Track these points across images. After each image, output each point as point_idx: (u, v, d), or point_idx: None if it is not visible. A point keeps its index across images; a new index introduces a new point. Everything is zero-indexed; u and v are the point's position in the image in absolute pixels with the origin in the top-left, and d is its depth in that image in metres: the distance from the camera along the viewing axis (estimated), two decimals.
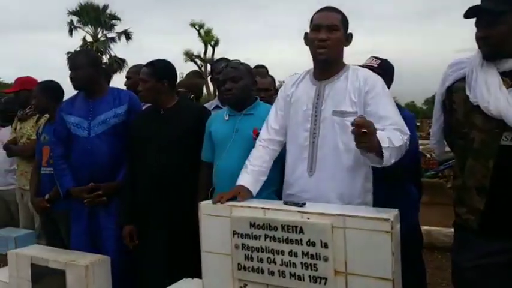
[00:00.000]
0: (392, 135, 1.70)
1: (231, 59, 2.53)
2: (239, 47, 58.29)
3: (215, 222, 1.82)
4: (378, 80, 1.91)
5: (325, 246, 1.54)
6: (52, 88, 3.15)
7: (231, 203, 1.82)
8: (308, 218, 1.59)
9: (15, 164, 3.80)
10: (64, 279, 2.34)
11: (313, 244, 1.56)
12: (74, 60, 2.65)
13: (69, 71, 2.65)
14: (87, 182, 2.57)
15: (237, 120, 2.25)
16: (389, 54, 2.55)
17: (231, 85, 2.22)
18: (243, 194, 1.86)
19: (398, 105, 2.36)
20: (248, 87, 2.25)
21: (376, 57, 2.51)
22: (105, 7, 27.27)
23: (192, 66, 26.53)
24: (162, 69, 2.49)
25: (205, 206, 1.87)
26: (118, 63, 26.10)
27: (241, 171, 2.00)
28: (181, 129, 2.42)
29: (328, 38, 1.87)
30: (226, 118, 2.29)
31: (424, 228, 3.40)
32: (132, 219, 2.46)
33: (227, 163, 2.18)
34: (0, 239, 3.43)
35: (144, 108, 2.85)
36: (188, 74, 3.86)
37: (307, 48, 1.99)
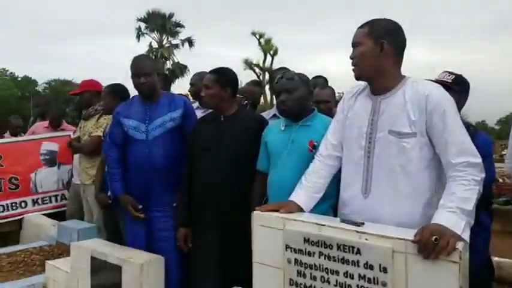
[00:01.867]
0: (460, 194, 1.53)
1: (290, 69, 2.51)
2: (298, 57, 58.27)
3: (267, 233, 1.80)
4: (444, 98, 1.69)
5: (384, 270, 1.46)
6: (119, 90, 3.34)
7: (284, 215, 1.79)
8: (366, 239, 1.52)
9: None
10: (120, 274, 2.43)
11: (371, 267, 1.49)
12: (145, 66, 2.69)
13: (136, 77, 2.68)
14: (144, 183, 2.65)
15: (293, 131, 2.22)
16: (457, 70, 2.37)
17: (285, 96, 2.20)
18: (287, 208, 1.83)
19: (472, 126, 2.20)
20: (303, 99, 2.22)
21: (450, 72, 2.34)
22: (171, 15, 28.65)
23: (250, 75, 27.00)
24: (226, 76, 2.53)
25: (258, 216, 1.85)
26: (180, 69, 27.21)
27: (296, 186, 1.96)
28: (239, 137, 2.43)
29: (353, 56, 1.82)
30: (283, 128, 2.27)
31: (494, 259, 3.15)
32: (188, 223, 2.50)
33: (281, 174, 2.17)
34: (65, 230, 3.66)
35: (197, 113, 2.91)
36: (248, 83, 3.91)
37: None
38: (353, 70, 1.84)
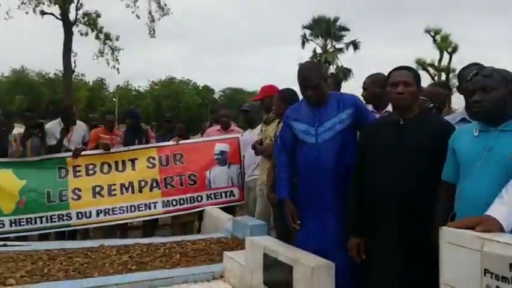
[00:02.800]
0: None
1: (485, 66, 2.17)
2: (481, 54, 51.66)
3: (459, 253, 1.59)
4: None
5: None
6: (289, 95, 3.44)
7: (483, 235, 1.55)
8: None
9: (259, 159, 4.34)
10: (291, 274, 2.47)
11: None
12: (312, 78, 2.66)
13: (304, 89, 2.69)
14: (314, 187, 2.65)
15: (491, 137, 1.91)
16: None
17: (481, 96, 1.91)
18: (485, 226, 1.58)
19: None
20: (503, 100, 1.89)
21: None
22: (336, 19, 28.70)
23: (423, 76, 25.13)
24: (418, 75, 2.36)
25: (448, 233, 1.65)
26: (344, 73, 27.05)
27: (494, 200, 1.69)
28: (422, 142, 2.21)
29: None
30: (476, 134, 1.98)
31: None
32: (360, 232, 2.40)
33: (474, 187, 1.88)
34: (239, 225, 3.94)
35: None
36: (432, 84, 3.59)
37: None
38: None
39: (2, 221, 4.52)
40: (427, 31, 26.66)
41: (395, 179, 2.22)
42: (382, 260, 2.24)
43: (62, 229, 4.80)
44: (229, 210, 5.05)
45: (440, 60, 26.58)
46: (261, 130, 4.30)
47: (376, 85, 3.22)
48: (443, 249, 1.65)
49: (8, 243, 3.95)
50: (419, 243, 2.08)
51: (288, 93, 3.54)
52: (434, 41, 26.55)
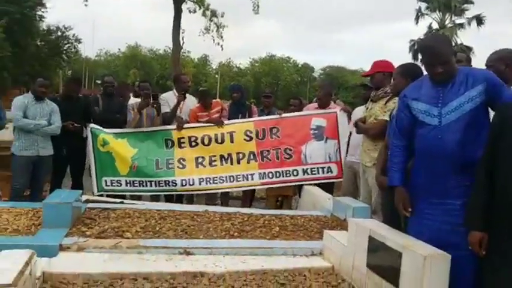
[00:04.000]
0: None
1: None
2: None
3: None
4: None
5: None
6: (413, 71, 3.13)
7: None
8: None
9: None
10: (399, 261, 2.33)
11: None
12: (443, 53, 2.37)
13: (431, 66, 2.40)
14: (435, 172, 2.41)
15: None
16: None
17: None
18: None
19: None
20: None
21: None
22: None
23: None
24: None
25: None
26: (464, 52, 24.63)
27: None
28: None
29: None
30: None
31: None
32: (485, 226, 2.15)
33: None
34: (340, 206, 3.85)
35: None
36: None
37: None
38: None
39: (120, 180, 5.05)
40: None
41: None
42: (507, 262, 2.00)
43: (168, 193, 5.22)
44: (327, 188, 4.97)
45: None
46: (366, 108, 4.10)
47: (502, 62, 2.83)
48: None
49: (125, 201, 4.35)
50: None
51: (412, 69, 3.20)
52: None
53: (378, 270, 2.54)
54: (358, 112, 4.57)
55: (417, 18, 26.95)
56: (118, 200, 4.33)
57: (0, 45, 17.20)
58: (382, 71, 3.93)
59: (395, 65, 3.64)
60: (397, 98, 3.29)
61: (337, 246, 2.99)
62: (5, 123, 4.54)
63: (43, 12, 21.78)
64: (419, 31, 26.29)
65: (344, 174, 4.80)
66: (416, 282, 2.20)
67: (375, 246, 2.58)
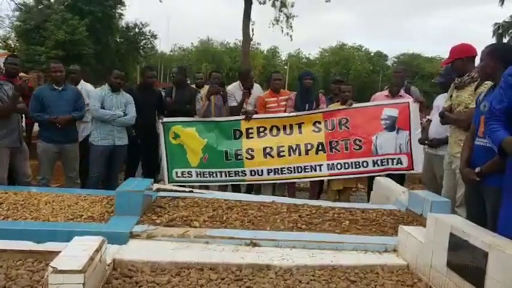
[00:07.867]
0: None
1: None
2: None
3: None
4: None
5: None
6: (502, 50, 2.78)
7: None
8: None
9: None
10: (485, 262, 2.08)
11: None
12: None
13: None
14: None
15: None
16: None
17: None
18: None
19: None
20: None
21: None
22: None
23: None
24: None
25: None
26: None
27: None
28: None
29: None
30: None
31: None
32: None
33: None
34: (417, 200, 3.57)
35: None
36: None
37: None
38: None
39: (190, 171, 5.22)
40: None
41: None
42: None
43: (237, 183, 5.33)
44: (398, 180, 4.69)
45: None
46: (450, 96, 3.74)
47: None
48: None
49: (194, 190, 4.43)
50: None
51: (501, 49, 2.85)
52: None
53: (459, 271, 2.30)
54: (440, 101, 4.19)
55: (502, 0, 24.48)
56: (187, 189, 4.41)
57: (84, 42, 18.45)
58: (460, 56, 3.56)
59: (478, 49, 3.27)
60: (487, 82, 2.97)
61: (413, 243, 2.76)
62: (84, 114, 4.82)
63: (122, 10, 23.08)
64: (505, 13, 23.61)
65: (424, 167, 4.51)
66: (505, 286, 1.95)
67: (457, 244, 2.33)
